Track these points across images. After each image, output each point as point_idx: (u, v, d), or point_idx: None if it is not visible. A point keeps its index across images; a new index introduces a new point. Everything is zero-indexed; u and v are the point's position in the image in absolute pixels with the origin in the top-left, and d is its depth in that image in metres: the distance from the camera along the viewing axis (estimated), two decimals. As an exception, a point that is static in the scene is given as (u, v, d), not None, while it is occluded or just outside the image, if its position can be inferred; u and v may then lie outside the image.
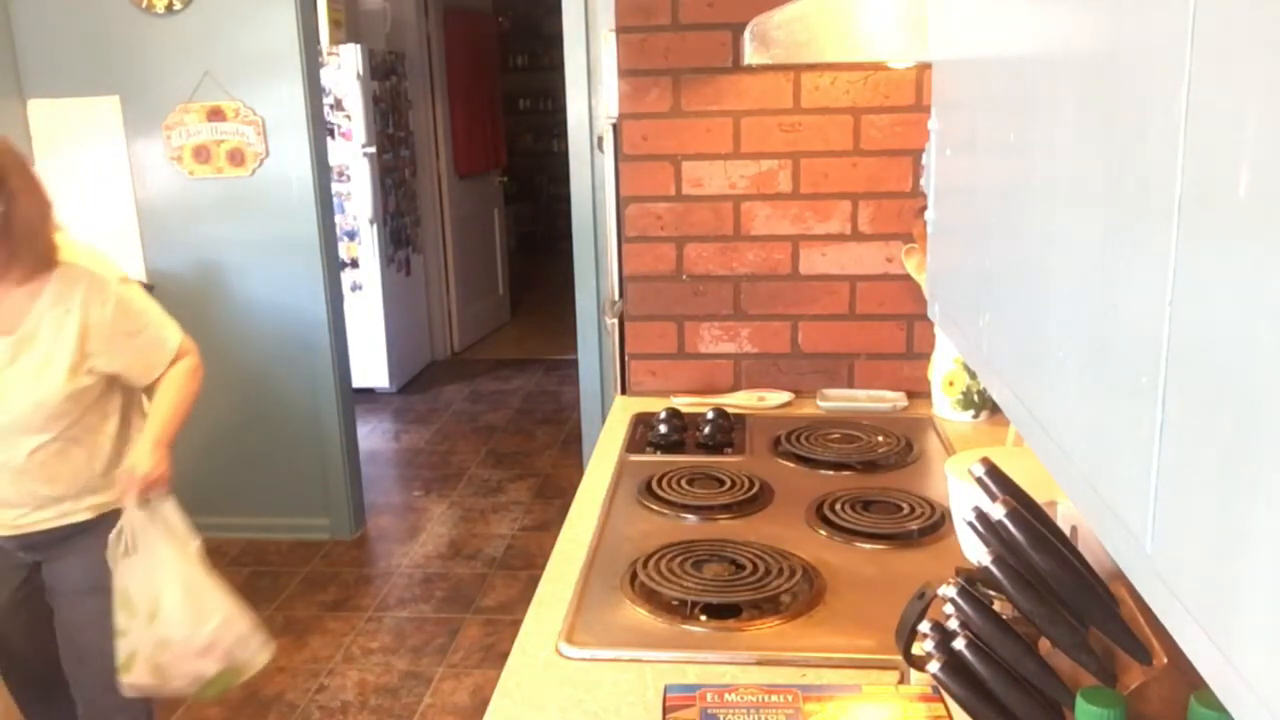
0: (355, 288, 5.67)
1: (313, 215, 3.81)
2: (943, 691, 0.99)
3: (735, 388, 2.32)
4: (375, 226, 5.69)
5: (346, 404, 4.06)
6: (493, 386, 6.20)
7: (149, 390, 2.06)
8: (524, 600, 1.42)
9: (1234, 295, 0.40)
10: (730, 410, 2.13)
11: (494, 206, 7.41)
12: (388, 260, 5.86)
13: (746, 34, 1.48)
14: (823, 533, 1.61)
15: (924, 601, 1.06)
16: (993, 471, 0.95)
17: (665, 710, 1.05)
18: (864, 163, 2.19)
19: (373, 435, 5.36)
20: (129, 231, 3.91)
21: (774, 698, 1.06)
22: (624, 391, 2.38)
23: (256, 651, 2.06)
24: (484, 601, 3.62)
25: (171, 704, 2.90)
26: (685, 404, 2.21)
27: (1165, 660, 0.86)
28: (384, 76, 5.83)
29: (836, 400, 2.23)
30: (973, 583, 0.97)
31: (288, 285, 3.87)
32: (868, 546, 1.56)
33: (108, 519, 1.99)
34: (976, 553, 0.94)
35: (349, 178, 5.60)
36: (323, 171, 3.88)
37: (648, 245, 2.29)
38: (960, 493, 1.38)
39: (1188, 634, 0.44)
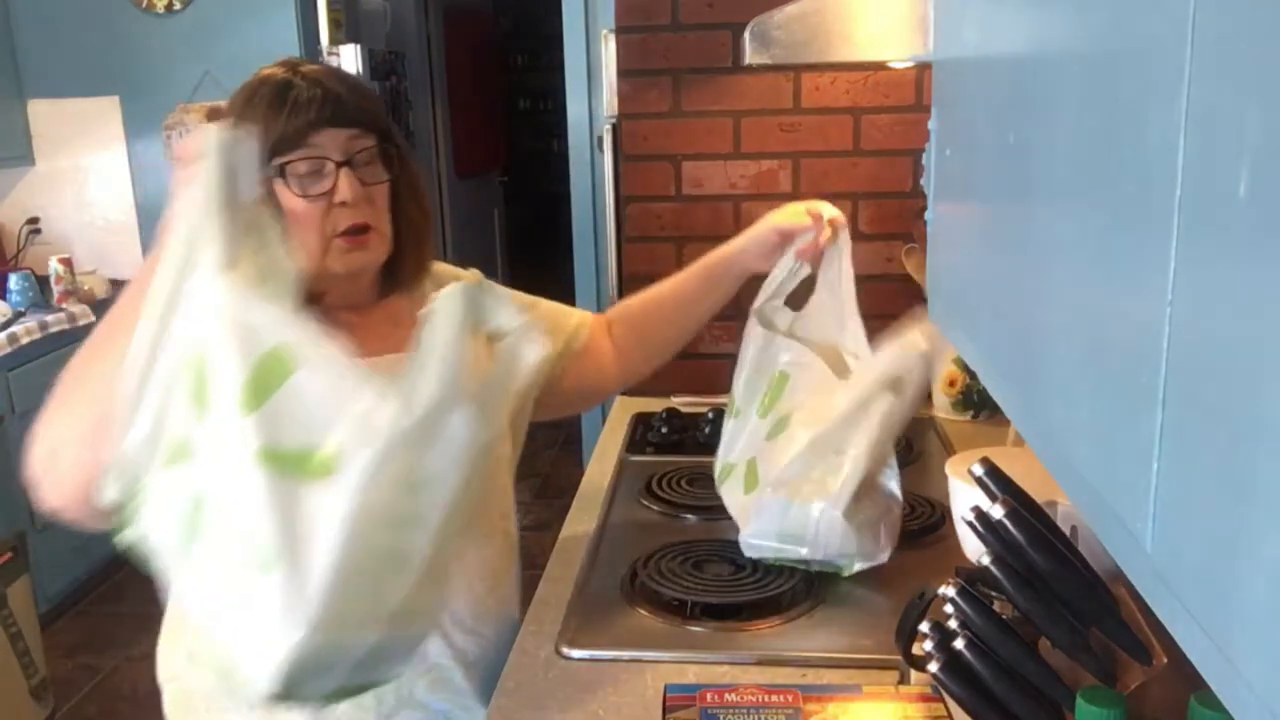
0: (355, 288, 5.67)
1: (313, 215, 3.81)
2: (943, 691, 0.99)
3: (735, 388, 2.31)
4: (375, 226, 5.69)
5: (347, 404, 4.05)
6: (493, 386, 6.19)
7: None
8: (524, 600, 1.41)
9: (1234, 295, 0.40)
10: (730, 410, 2.12)
11: (494, 206, 7.41)
12: (388, 260, 5.85)
13: (746, 34, 1.48)
14: (823, 533, 1.61)
15: (924, 601, 1.06)
16: (993, 471, 0.95)
17: (665, 710, 1.05)
18: (864, 163, 2.19)
19: (373, 435, 5.35)
20: (129, 232, 3.91)
21: (774, 698, 1.06)
22: (624, 391, 2.38)
23: None
24: (484, 601, 3.61)
25: None
26: (685, 404, 2.21)
27: (1165, 660, 0.86)
28: (384, 76, 5.83)
29: (836, 400, 2.22)
30: (973, 583, 0.97)
31: (288, 285, 3.87)
32: (868, 546, 1.56)
33: None
34: (976, 553, 0.94)
35: (349, 178, 5.59)
36: (323, 171, 3.88)
37: (648, 245, 2.29)
38: (960, 493, 1.38)
39: (1188, 634, 0.44)
